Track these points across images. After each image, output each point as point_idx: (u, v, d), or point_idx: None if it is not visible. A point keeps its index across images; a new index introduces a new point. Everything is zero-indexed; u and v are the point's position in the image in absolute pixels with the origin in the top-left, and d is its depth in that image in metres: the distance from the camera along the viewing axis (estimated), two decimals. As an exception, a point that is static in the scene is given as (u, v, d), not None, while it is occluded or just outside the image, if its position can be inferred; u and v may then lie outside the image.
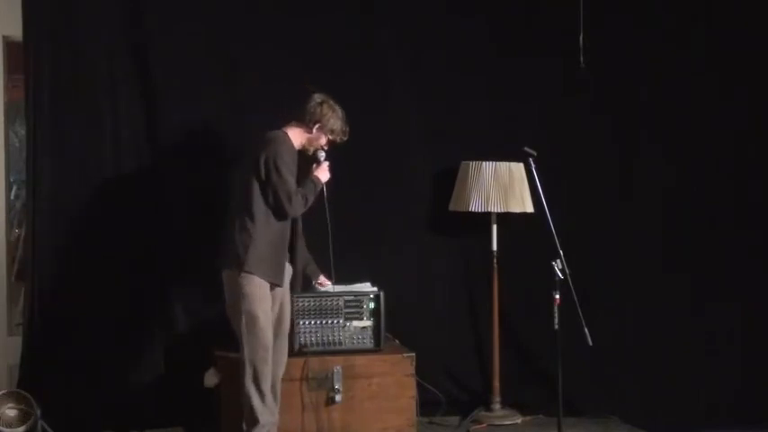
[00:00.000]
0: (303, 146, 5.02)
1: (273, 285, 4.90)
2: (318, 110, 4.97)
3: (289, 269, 5.04)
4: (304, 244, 5.23)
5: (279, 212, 4.84)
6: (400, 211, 5.87)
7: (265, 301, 4.83)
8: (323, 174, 5.03)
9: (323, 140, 5.03)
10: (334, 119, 4.99)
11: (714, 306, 5.96)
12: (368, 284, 5.42)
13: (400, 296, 5.51)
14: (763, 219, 6.03)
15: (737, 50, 6.01)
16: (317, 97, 5.00)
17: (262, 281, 4.81)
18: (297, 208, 4.86)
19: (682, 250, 5.99)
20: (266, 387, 4.82)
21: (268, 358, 4.81)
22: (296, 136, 4.98)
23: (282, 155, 4.82)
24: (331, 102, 5.01)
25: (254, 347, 4.77)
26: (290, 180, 4.83)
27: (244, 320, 4.77)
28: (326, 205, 5.00)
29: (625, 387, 5.91)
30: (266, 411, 4.83)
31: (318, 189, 4.98)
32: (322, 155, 5.06)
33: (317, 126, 4.98)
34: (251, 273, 4.77)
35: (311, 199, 4.93)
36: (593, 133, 5.96)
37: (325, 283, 5.35)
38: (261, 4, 5.65)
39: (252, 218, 4.80)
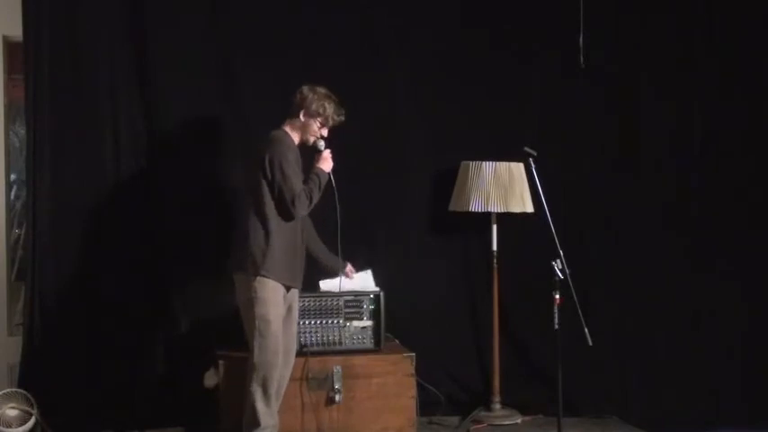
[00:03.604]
0: (302, 138, 4.95)
1: (289, 288, 4.88)
2: (299, 96, 4.90)
3: None
4: (316, 235, 5.19)
5: (285, 214, 4.80)
6: (400, 211, 5.87)
7: (279, 305, 4.81)
8: (325, 164, 4.93)
9: (316, 127, 4.91)
10: (318, 100, 4.88)
11: (714, 306, 5.96)
12: (369, 272, 5.40)
13: (400, 296, 5.51)
14: (764, 219, 6.03)
15: (737, 50, 6.01)
16: (302, 87, 4.93)
17: (276, 284, 4.78)
18: (301, 208, 4.79)
19: (682, 250, 5.99)
20: (273, 391, 4.81)
21: (277, 363, 4.79)
22: (293, 131, 4.93)
23: (284, 154, 4.78)
24: (315, 87, 4.91)
25: (264, 351, 4.75)
26: (294, 181, 4.77)
27: (257, 324, 4.74)
28: (335, 193, 4.92)
29: (625, 387, 5.91)
30: (269, 415, 4.81)
31: (324, 180, 4.89)
32: (322, 144, 4.95)
33: (302, 113, 4.90)
34: (266, 276, 4.74)
35: (317, 194, 4.85)
36: (593, 133, 5.96)
37: (351, 273, 5.34)
38: (261, 4, 5.65)
39: (266, 220, 4.76)
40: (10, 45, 5.73)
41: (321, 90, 4.92)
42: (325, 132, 4.96)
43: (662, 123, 6.02)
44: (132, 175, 5.55)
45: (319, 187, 4.87)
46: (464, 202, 5.67)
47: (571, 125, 5.94)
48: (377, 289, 5.36)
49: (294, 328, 5.03)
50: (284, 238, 4.81)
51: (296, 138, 4.93)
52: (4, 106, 5.77)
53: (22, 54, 5.46)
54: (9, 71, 5.77)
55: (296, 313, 5.03)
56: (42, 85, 5.40)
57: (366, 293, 5.34)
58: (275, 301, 4.78)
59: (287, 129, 4.93)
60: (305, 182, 4.85)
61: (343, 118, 4.97)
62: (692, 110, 6.03)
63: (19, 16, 5.39)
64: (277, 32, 5.67)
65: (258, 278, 4.74)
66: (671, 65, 6.01)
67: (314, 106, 4.88)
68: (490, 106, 5.92)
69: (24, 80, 5.44)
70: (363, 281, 5.42)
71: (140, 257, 5.51)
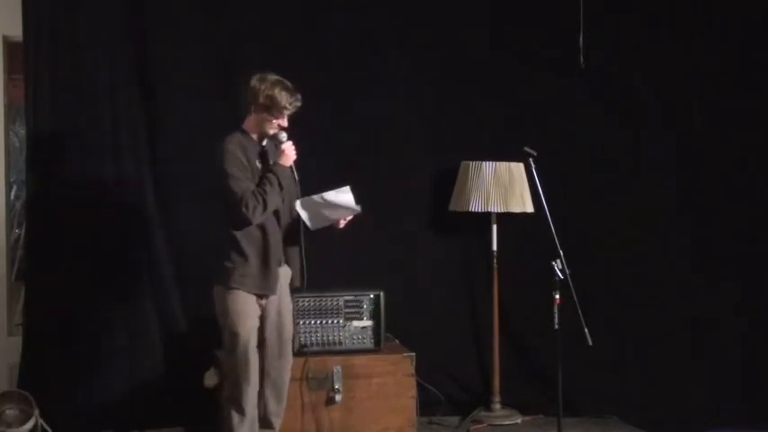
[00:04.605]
0: (261, 133, 4.64)
1: (263, 296, 4.70)
2: (248, 91, 4.58)
3: (287, 270, 4.82)
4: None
5: (237, 223, 4.52)
6: (400, 211, 5.87)
7: (250, 316, 4.64)
8: (283, 158, 4.59)
9: (269, 118, 4.57)
10: (267, 90, 4.53)
11: (715, 306, 5.96)
12: (347, 189, 4.73)
13: (400, 296, 5.51)
14: (764, 219, 6.02)
15: (737, 50, 6.01)
16: (251, 78, 4.60)
17: (248, 295, 4.62)
18: (251, 213, 4.47)
19: (682, 250, 5.99)
20: (246, 404, 4.63)
21: (248, 375, 4.61)
22: (250, 127, 4.64)
23: (225, 159, 4.49)
24: (265, 75, 4.58)
25: (233, 365, 4.62)
26: (238, 186, 4.47)
27: (225, 336, 4.63)
28: (297, 185, 4.70)
29: (625, 387, 5.91)
30: (243, 427, 4.65)
31: (283, 176, 4.57)
32: (283, 135, 4.62)
33: (253, 107, 4.58)
34: (237, 288, 4.59)
35: (273, 195, 4.52)
36: (594, 133, 5.95)
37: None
38: (261, 4, 5.65)
39: (231, 231, 4.57)
40: (10, 45, 5.73)
41: (271, 77, 4.58)
42: (283, 122, 4.62)
43: (662, 123, 6.02)
44: (132, 175, 5.55)
45: (279, 185, 4.56)
46: (464, 202, 5.67)
47: (571, 125, 5.94)
48: (357, 208, 4.80)
49: (287, 333, 4.85)
50: (257, 246, 4.59)
51: (254, 134, 4.65)
52: (4, 106, 5.77)
53: (22, 54, 5.45)
54: (9, 71, 5.77)
55: (287, 318, 4.84)
56: (42, 85, 5.39)
57: (366, 293, 5.34)
58: (246, 312, 4.62)
59: (244, 126, 4.68)
60: (258, 184, 4.55)
61: (299, 103, 4.60)
62: (692, 110, 6.03)
63: (19, 16, 5.39)
64: (277, 32, 5.67)
65: (229, 290, 4.60)
66: (671, 65, 6.01)
67: (262, 99, 4.54)
68: (490, 106, 5.92)
69: (24, 80, 5.44)
70: (337, 196, 4.73)
71: (140, 257, 5.51)
